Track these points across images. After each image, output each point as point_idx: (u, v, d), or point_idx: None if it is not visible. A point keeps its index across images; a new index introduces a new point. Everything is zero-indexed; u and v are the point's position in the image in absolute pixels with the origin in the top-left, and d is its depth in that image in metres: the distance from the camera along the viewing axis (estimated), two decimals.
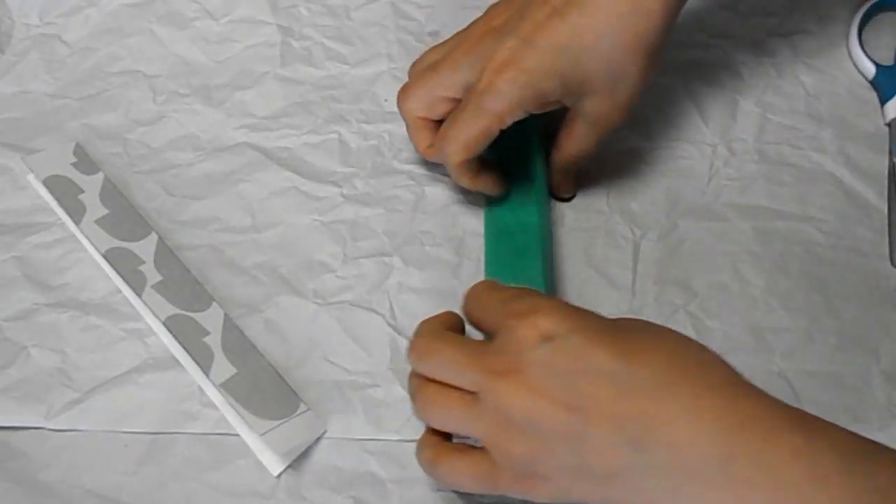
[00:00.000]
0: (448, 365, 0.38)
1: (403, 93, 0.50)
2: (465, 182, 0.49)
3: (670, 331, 0.38)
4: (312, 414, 0.47)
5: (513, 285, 0.41)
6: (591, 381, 0.35)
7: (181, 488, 0.46)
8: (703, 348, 0.37)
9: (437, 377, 0.39)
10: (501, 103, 0.45)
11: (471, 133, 0.46)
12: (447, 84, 0.48)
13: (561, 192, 0.52)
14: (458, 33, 0.50)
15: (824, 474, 0.33)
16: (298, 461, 0.47)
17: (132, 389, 0.48)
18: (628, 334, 0.37)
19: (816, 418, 0.35)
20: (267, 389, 0.47)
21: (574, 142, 0.49)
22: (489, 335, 0.39)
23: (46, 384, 0.48)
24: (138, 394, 0.48)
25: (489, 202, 0.51)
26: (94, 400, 0.48)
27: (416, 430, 0.46)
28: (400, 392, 0.48)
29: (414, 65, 0.52)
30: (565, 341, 0.36)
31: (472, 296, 0.41)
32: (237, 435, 0.47)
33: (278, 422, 0.46)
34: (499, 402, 0.36)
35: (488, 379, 0.37)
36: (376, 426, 0.47)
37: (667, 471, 0.34)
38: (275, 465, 0.46)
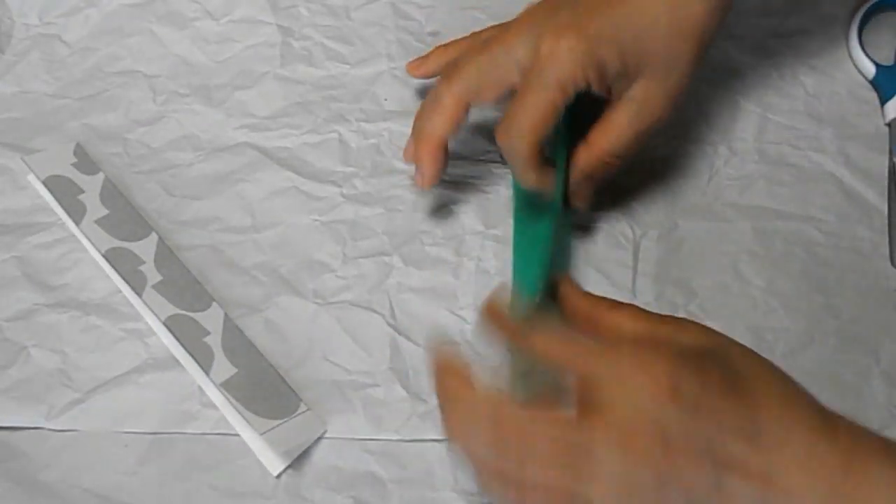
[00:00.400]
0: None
1: (450, 75, 0.46)
2: (532, 177, 0.45)
3: (763, 362, 0.37)
4: (312, 414, 0.47)
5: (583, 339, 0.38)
6: (726, 439, 0.34)
7: (181, 488, 0.46)
8: (789, 380, 0.36)
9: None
10: (564, 71, 0.42)
11: (538, 111, 0.43)
12: (500, 63, 0.44)
13: (576, 200, 0.48)
14: (501, 24, 0.47)
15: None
16: (298, 461, 0.47)
17: (132, 389, 0.48)
18: (740, 377, 0.35)
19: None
20: (267, 389, 0.47)
21: (611, 135, 0.45)
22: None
23: (46, 384, 0.48)
24: (138, 394, 0.48)
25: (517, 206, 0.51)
26: (95, 400, 0.48)
27: (416, 430, 0.47)
28: (400, 392, 0.48)
29: (438, 52, 0.50)
30: (690, 398, 0.34)
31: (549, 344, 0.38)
32: (237, 435, 0.47)
33: (278, 421, 0.46)
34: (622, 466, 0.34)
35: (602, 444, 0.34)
36: (376, 426, 0.47)
37: None
38: (275, 465, 0.46)
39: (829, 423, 0.35)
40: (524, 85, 0.44)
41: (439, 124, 0.46)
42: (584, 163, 0.46)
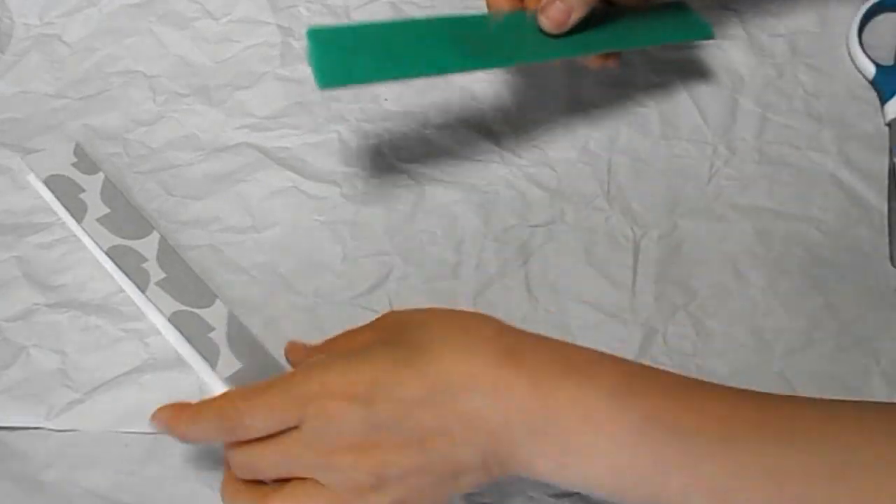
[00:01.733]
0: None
1: None
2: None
3: (437, 326, 0.38)
4: None
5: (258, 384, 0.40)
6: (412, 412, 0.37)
7: (181, 488, 0.46)
8: (466, 331, 0.38)
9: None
10: None
11: None
12: None
13: (545, 13, 0.47)
14: None
15: (596, 417, 0.36)
16: None
17: (132, 389, 0.48)
18: (413, 351, 0.37)
19: (586, 363, 0.37)
20: None
21: None
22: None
23: (47, 384, 0.48)
24: (138, 394, 0.48)
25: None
26: (95, 400, 0.48)
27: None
28: None
29: None
30: (363, 396, 0.36)
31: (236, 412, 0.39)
32: None
33: None
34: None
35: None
36: None
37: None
38: None
39: (513, 356, 0.37)
40: None
41: None
42: None
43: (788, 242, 0.51)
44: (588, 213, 0.52)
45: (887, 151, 0.53)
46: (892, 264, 0.51)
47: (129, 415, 0.48)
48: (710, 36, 0.53)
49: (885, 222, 0.52)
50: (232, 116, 0.56)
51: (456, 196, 0.53)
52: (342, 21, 0.59)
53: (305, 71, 0.57)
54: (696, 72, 0.56)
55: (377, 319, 0.41)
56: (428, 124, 0.55)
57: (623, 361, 0.38)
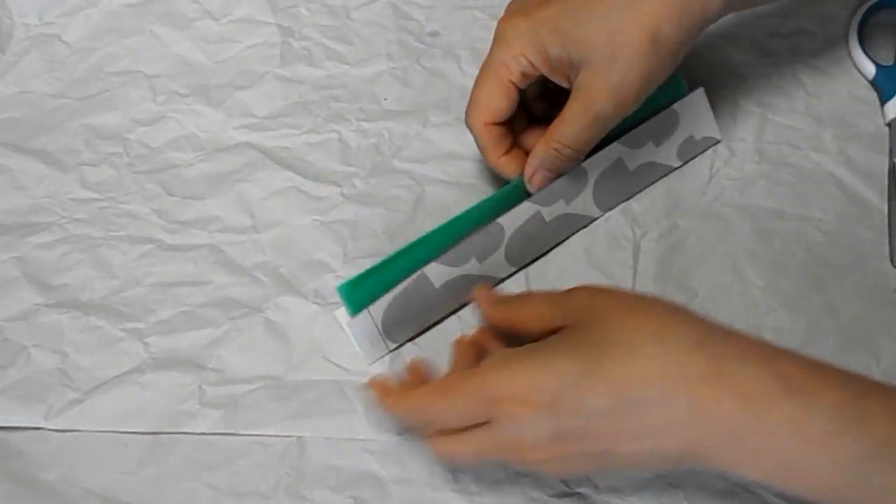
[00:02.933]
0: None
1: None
2: (491, 157, 0.48)
3: (636, 317, 0.38)
4: None
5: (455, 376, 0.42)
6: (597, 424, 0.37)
7: (181, 488, 0.46)
8: (667, 317, 0.38)
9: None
10: (509, 51, 0.45)
11: (487, 90, 0.46)
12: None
13: (529, 184, 0.48)
14: None
15: (821, 440, 0.35)
16: (299, 461, 0.47)
17: (132, 389, 0.48)
18: (607, 361, 0.37)
19: (806, 381, 0.36)
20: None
21: (562, 125, 0.46)
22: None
23: (46, 384, 0.48)
24: (138, 394, 0.48)
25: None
26: (94, 400, 0.48)
27: (416, 430, 0.46)
28: None
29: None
30: (562, 415, 0.37)
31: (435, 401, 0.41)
32: (237, 435, 0.47)
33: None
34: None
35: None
36: (376, 426, 0.47)
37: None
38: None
39: (718, 371, 0.36)
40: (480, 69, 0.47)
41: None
42: (538, 149, 0.47)
43: (788, 242, 0.51)
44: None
45: (887, 151, 0.53)
46: (892, 264, 0.51)
47: (129, 415, 0.48)
48: (682, 93, 0.51)
49: (885, 222, 0.52)
50: (232, 116, 0.56)
51: (456, 196, 0.53)
52: (342, 20, 0.59)
53: (305, 71, 0.57)
54: (696, 72, 0.56)
55: (566, 295, 0.41)
56: (428, 124, 0.55)
57: (844, 374, 0.37)
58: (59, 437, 0.47)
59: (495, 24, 0.46)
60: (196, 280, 0.51)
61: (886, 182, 0.53)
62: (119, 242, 0.52)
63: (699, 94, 0.52)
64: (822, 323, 0.49)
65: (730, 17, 0.58)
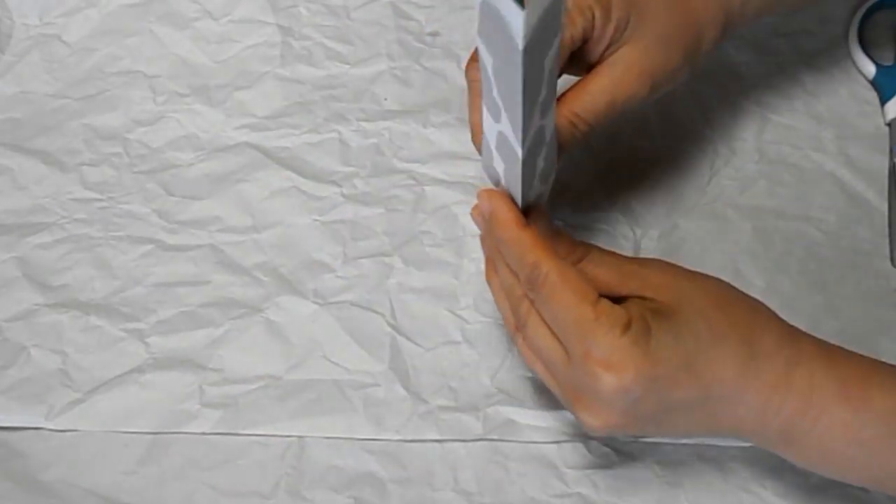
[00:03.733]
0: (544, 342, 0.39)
1: None
2: None
3: (717, 315, 0.38)
4: None
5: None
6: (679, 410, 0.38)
7: (181, 488, 0.46)
8: (753, 314, 0.40)
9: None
10: None
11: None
12: None
13: None
14: None
15: (868, 444, 0.37)
16: (299, 461, 0.47)
17: (132, 389, 0.48)
18: (698, 361, 0.37)
19: (862, 385, 0.38)
20: None
21: (584, 97, 0.43)
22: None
23: (47, 384, 0.48)
24: (138, 394, 0.48)
25: None
26: (95, 400, 0.48)
27: (416, 430, 0.47)
28: (400, 392, 0.48)
29: None
30: (645, 401, 0.37)
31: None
32: (237, 435, 0.47)
33: None
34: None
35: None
36: (376, 426, 0.47)
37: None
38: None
39: (788, 376, 0.38)
40: None
41: None
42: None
43: (788, 242, 0.51)
44: (588, 213, 0.52)
45: (887, 151, 0.53)
46: (893, 264, 0.51)
47: (130, 415, 0.48)
48: None
49: (885, 222, 0.52)
50: (232, 116, 0.56)
51: (456, 196, 0.53)
52: (342, 20, 0.59)
53: (305, 71, 0.57)
54: (696, 72, 0.56)
55: (641, 268, 0.40)
56: (428, 124, 0.55)
57: None
58: (60, 437, 0.47)
59: None
60: (196, 280, 0.51)
61: (886, 182, 0.53)
62: (119, 242, 0.52)
63: None
64: (822, 323, 0.49)
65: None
